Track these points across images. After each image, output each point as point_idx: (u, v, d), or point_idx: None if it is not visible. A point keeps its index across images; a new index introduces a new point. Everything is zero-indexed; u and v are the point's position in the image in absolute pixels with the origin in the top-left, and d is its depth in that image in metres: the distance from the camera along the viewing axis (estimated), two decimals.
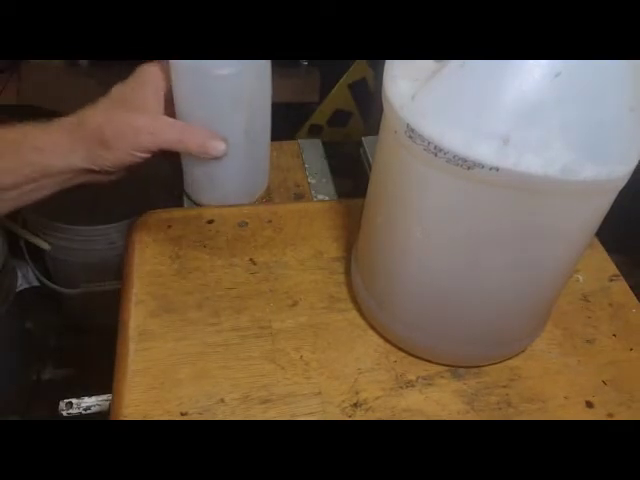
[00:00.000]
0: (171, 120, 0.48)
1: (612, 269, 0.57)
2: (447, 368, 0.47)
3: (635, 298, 0.54)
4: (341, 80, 1.09)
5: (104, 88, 0.46)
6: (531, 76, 0.32)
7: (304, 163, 0.77)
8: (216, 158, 0.49)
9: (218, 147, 0.48)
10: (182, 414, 0.42)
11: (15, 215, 1.04)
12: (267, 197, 0.72)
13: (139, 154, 0.45)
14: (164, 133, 0.45)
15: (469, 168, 0.34)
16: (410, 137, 0.35)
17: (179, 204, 0.70)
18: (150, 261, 0.53)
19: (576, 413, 0.45)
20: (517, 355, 0.49)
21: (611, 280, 0.56)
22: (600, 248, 0.58)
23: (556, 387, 0.47)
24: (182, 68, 0.46)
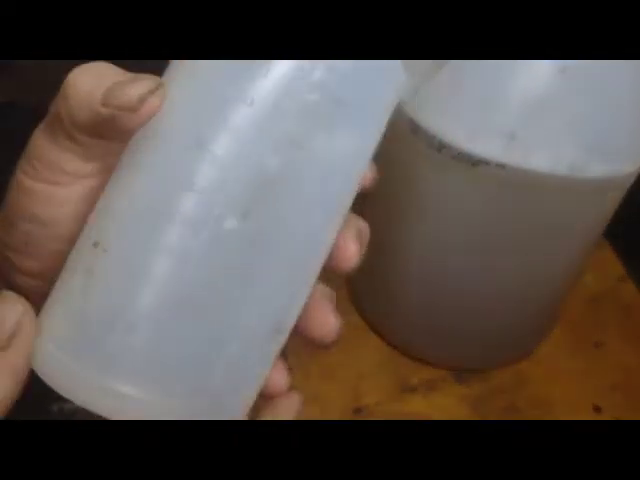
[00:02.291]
0: None
1: (620, 270, 0.56)
2: (451, 372, 0.47)
3: None
4: None
5: None
6: (537, 72, 0.32)
7: None
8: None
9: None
10: None
11: None
12: None
13: None
14: None
15: (474, 164, 0.33)
16: (414, 132, 0.35)
17: None
18: None
19: (584, 418, 0.45)
20: (523, 358, 0.48)
21: (619, 282, 0.55)
22: (608, 248, 0.57)
23: (563, 391, 0.46)
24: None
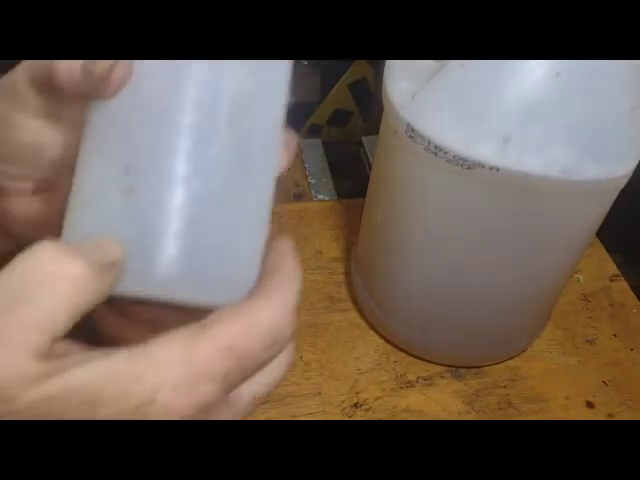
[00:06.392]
0: None
1: (612, 269, 0.56)
2: (447, 368, 0.47)
3: (635, 298, 0.54)
4: (341, 80, 1.09)
5: None
6: (531, 76, 0.32)
7: (304, 163, 0.77)
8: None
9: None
10: None
11: None
12: None
13: None
14: None
15: (469, 168, 0.34)
16: (410, 137, 0.35)
17: None
18: None
19: (576, 413, 0.45)
20: (518, 355, 0.49)
21: (612, 280, 0.56)
22: (600, 248, 0.58)
23: (557, 387, 0.47)
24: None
